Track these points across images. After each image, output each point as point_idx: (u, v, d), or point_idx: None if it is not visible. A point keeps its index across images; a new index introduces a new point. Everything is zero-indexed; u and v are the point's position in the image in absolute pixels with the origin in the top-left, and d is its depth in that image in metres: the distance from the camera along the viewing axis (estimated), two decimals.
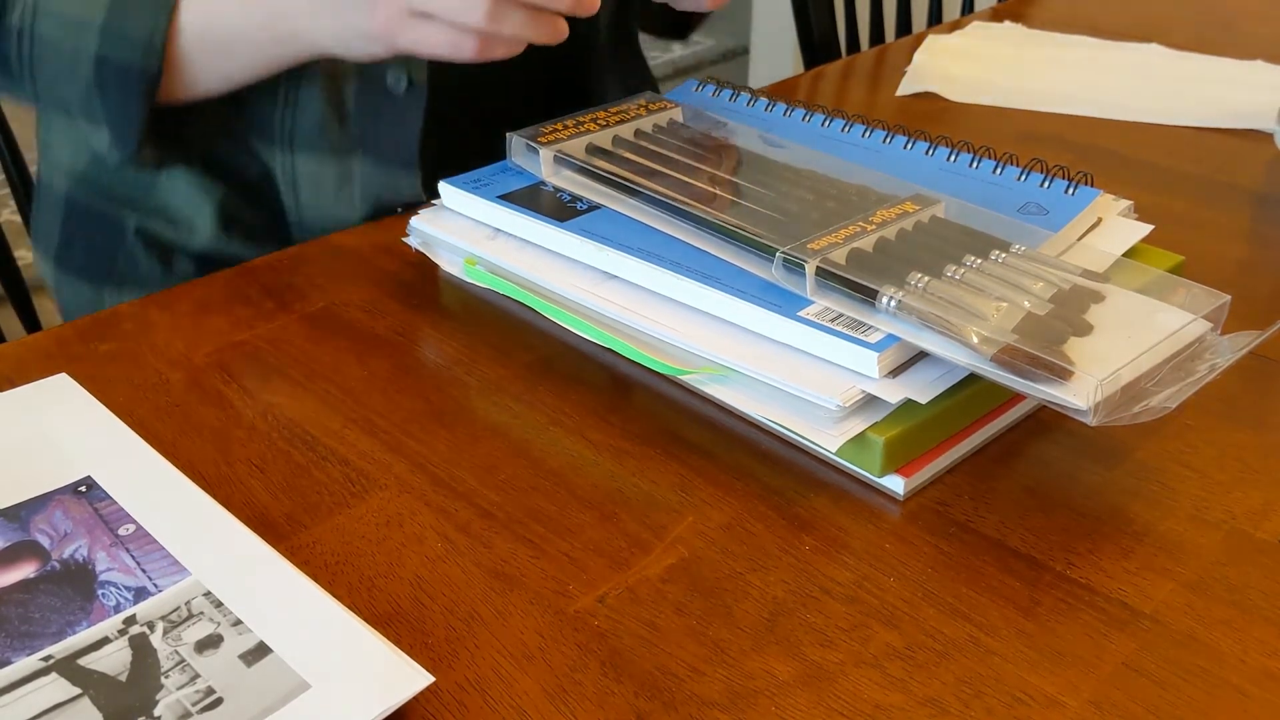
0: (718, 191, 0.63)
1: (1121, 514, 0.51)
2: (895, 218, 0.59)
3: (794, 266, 0.55)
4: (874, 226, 0.58)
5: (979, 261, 0.55)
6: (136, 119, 0.71)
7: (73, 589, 0.45)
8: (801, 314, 0.54)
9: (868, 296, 0.53)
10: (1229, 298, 0.54)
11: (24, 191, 0.94)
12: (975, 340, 0.50)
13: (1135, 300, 0.54)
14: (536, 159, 0.67)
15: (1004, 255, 0.56)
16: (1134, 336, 0.51)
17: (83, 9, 0.69)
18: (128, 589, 0.45)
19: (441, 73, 0.77)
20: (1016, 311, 0.52)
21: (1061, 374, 0.48)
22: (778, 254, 0.55)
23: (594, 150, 0.68)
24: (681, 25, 0.98)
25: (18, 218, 0.97)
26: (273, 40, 0.70)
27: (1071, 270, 0.56)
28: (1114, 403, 0.48)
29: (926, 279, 0.53)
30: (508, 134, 0.69)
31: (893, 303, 0.52)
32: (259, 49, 0.71)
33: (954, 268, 0.55)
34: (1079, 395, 0.47)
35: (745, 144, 0.70)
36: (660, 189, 0.63)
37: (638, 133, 0.71)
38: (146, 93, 0.70)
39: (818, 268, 0.54)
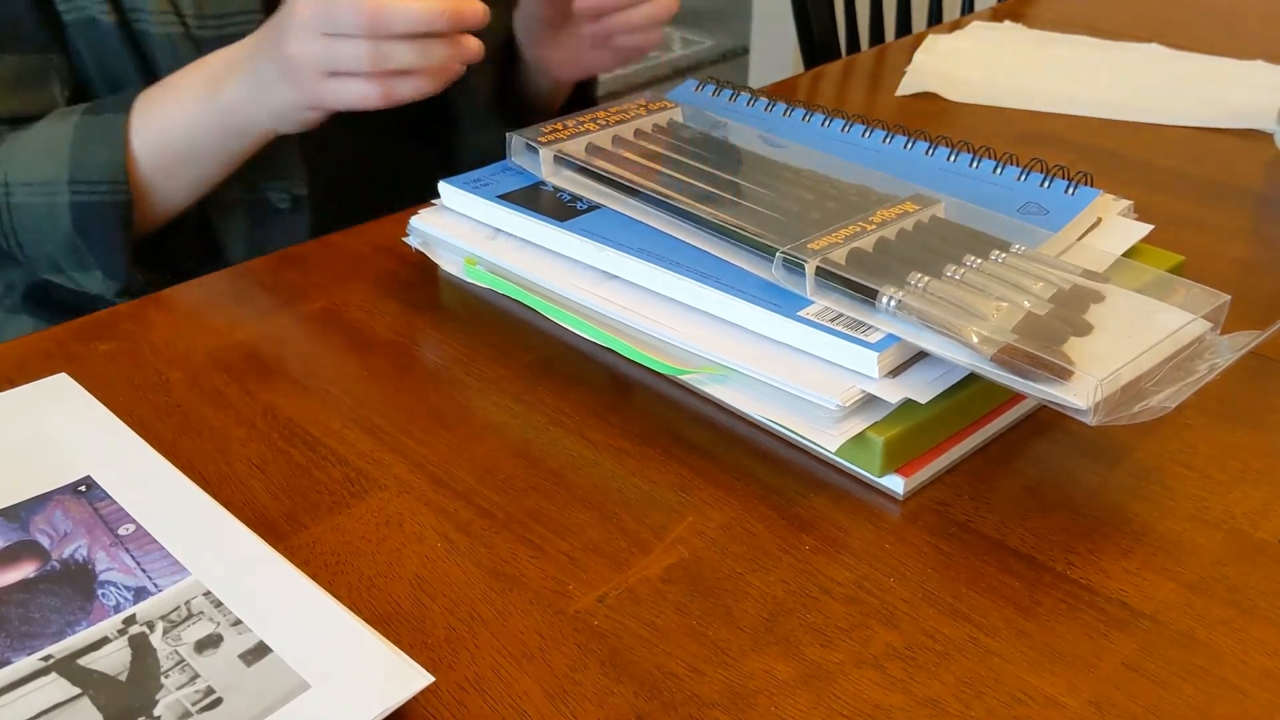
0: (717, 191, 0.63)
1: (1121, 514, 0.51)
2: (895, 218, 0.59)
3: (794, 266, 0.55)
4: (874, 226, 0.58)
5: (979, 261, 0.55)
6: (122, 249, 0.76)
7: (72, 589, 0.45)
8: (801, 314, 0.54)
9: (868, 296, 0.53)
10: (1229, 298, 0.54)
11: None
12: (975, 340, 0.50)
13: (1135, 300, 0.54)
14: (536, 159, 0.67)
15: (1004, 255, 0.56)
16: (1134, 336, 0.51)
17: (48, 171, 0.75)
18: (127, 589, 0.45)
19: (322, 175, 0.83)
20: (1016, 311, 0.52)
21: (1061, 374, 0.48)
22: (778, 254, 0.55)
23: (594, 150, 0.68)
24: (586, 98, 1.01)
25: None
26: (227, 135, 0.75)
27: (1071, 270, 0.56)
28: (1114, 403, 0.48)
29: (926, 279, 0.53)
30: (508, 134, 0.69)
31: (893, 303, 0.52)
32: (218, 147, 0.76)
33: (954, 268, 0.55)
34: (1079, 395, 0.47)
35: (745, 144, 0.70)
36: (660, 189, 0.63)
37: (638, 133, 0.71)
38: (125, 222, 0.75)
39: (818, 268, 0.54)
